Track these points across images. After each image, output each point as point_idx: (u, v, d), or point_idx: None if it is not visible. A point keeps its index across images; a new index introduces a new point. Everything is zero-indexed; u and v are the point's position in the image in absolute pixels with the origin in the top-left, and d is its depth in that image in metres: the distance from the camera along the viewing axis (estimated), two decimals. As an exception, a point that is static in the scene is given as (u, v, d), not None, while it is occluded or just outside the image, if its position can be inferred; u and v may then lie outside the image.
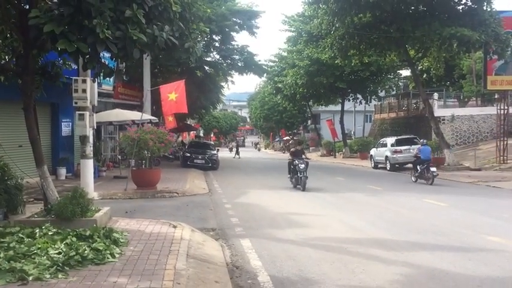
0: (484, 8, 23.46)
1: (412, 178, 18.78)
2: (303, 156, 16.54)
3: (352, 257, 6.77)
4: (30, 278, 4.97)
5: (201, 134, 70.57)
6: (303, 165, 15.89)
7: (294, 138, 49.60)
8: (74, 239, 6.35)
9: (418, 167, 18.35)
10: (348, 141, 43.39)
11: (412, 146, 25.36)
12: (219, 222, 9.70)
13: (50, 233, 6.62)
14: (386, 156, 26.10)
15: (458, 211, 11.30)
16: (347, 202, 13.09)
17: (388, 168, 25.89)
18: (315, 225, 9.35)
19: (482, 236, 8.19)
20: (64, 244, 6.07)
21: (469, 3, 24.23)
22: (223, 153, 39.71)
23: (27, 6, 7.60)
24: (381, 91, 42.96)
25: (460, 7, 24.81)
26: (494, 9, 23.87)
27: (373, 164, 28.57)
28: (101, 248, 6.02)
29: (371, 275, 5.87)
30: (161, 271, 5.37)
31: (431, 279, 5.73)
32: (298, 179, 15.95)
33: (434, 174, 17.47)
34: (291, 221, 9.95)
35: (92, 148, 12.60)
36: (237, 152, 44.72)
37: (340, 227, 9.28)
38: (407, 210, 11.52)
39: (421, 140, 20.80)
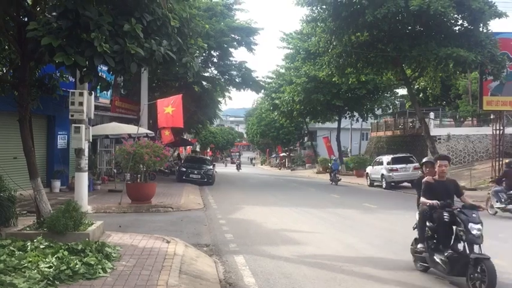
0: (480, 29, 23.69)
1: None
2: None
3: (347, 276, 6.71)
4: (20, 292, 4.89)
5: (198, 149, 70.52)
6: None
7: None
8: (66, 252, 6.28)
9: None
10: (344, 158, 43.44)
11: (408, 165, 25.47)
12: (213, 238, 9.64)
13: (41, 246, 6.55)
14: (382, 174, 26.12)
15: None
16: (341, 219, 13.03)
17: (383, 187, 25.88)
18: (310, 243, 9.29)
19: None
20: (55, 258, 6.01)
21: (466, 24, 24.45)
22: (221, 169, 39.69)
23: (26, 19, 7.65)
24: (378, 109, 43.18)
25: (457, 28, 25.05)
26: (490, 31, 24.09)
27: (369, 182, 28.56)
28: (92, 263, 5.95)
29: (365, 294, 5.82)
30: (153, 287, 5.30)
31: (426, 299, 5.68)
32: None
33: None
34: (286, 237, 9.89)
35: (87, 161, 12.53)
36: (238, 166, 54.44)
37: (334, 244, 9.23)
38: (402, 228, 11.41)
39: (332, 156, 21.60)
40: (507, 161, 17.08)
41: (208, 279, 6.35)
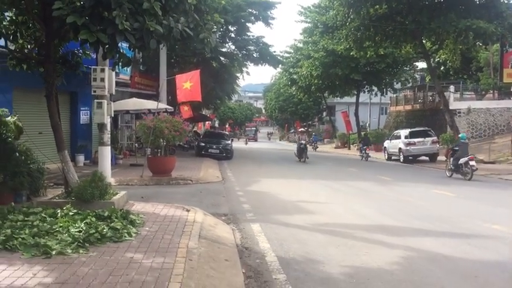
0: (501, 0, 23.27)
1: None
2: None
3: (357, 241, 7.05)
4: (54, 252, 5.34)
5: (216, 125, 70.99)
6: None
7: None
8: (93, 219, 6.74)
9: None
10: (362, 133, 43.40)
11: (426, 139, 25.44)
12: (231, 208, 10.04)
13: (70, 213, 7.03)
14: (400, 148, 26.15)
15: (466, 201, 11.49)
16: (357, 191, 13.33)
17: (401, 160, 25.97)
18: (324, 212, 9.63)
19: (487, 224, 8.39)
20: (84, 223, 6.46)
21: (486, -5, 24.07)
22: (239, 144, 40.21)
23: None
24: (397, 83, 42.80)
25: (477, -1, 24.69)
26: (511, 2, 23.67)
27: (386, 156, 28.65)
28: (118, 227, 6.40)
29: (373, 257, 6.15)
30: (174, 249, 5.72)
31: (431, 262, 5.98)
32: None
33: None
34: (301, 208, 10.25)
35: (109, 135, 12.98)
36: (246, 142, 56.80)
37: (348, 214, 9.55)
38: (415, 199, 11.73)
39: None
40: None
41: (226, 243, 6.75)
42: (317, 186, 14.33)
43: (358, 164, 24.42)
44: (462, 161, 16.84)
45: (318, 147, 41.72)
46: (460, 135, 19.19)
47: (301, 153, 25.14)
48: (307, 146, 26.05)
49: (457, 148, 17.57)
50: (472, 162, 16.52)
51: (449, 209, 10.18)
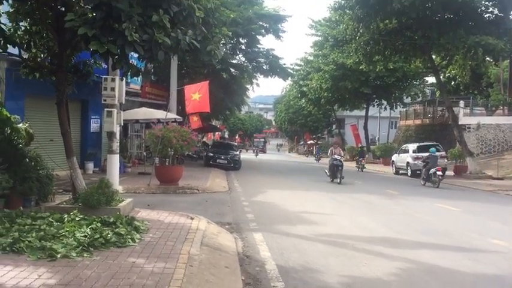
0: (511, 17, 23.33)
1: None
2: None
3: (358, 253, 7.13)
4: (59, 255, 5.50)
5: (226, 135, 71.30)
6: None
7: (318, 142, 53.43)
8: (99, 224, 6.91)
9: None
10: (371, 146, 43.39)
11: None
12: (235, 218, 10.16)
13: (77, 219, 7.20)
14: (408, 162, 26.16)
15: (469, 216, 11.51)
16: (362, 203, 13.39)
17: (409, 174, 25.94)
18: (327, 224, 9.72)
19: (487, 239, 8.44)
20: (89, 228, 6.63)
21: (496, 12, 24.11)
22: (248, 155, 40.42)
23: (63, 9, 8.24)
24: (406, 97, 42.84)
25: (487, 15, 24.72)
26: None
27: (394, 170, 28.63)
28: (123, 233, 6.56)
29: (372, 268, 6.24)
30: (176, 255, 5.86)
31: (429, 273, 6.06)
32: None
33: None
34: (304, 218, 10.35)
35: (118, 144, 13.21)
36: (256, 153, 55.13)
37: (351, 226, 9.63)
38: (419, 213, 11.76)
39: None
40: None
41: (227, 251, 6.88)
42: (322, 198, 14.42)
43: (365, 177, 24.42)
44: (432, 171, 19.46)
45: (320, 158, 45.95)
46: (430, 150, 21.77)
47: (335, 171, 19.92)
48: (341, 161, 20.42)
49: (428, 160, 20.24)
50: (439, 172, 19.32)
51: (452, 224, 10.22)
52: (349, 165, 38.62)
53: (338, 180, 19.29)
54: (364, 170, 30.43)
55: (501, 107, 38.06)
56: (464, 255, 7.14)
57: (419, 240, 8.22)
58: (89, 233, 6.40)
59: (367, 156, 37.65)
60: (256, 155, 54.27)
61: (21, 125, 9.58)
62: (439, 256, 7.00)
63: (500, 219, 11.16)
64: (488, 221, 10.89)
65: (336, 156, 20.15)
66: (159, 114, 20.23)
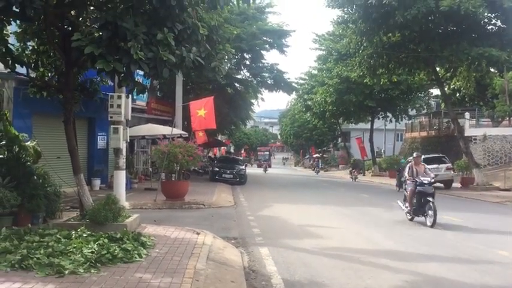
0: (513, 28, 23.39)
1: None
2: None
3: (363, 266, 7.15)
4: (66, 271, 5.58)
5: (232, 150, 71.38)
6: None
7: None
8: (106, 240, 6.98)
9: None
10: (377, 159, 43.32)
11: (440, 165, 25.30)
12: (240, 232, 10.20)
13: (84, 235, 7.27)
14: (411, 175, 26.02)
15: (475, 227, 11.46)
16: (367, 217, 13.38)
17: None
18: (332, 237, 9.73)
19: (493, 250, 8.42)
20: (97, 244, 6.70)
21: (499, 24, 24.20)
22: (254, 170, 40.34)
23: (70, 29, 8.42)
24: (412, 110, 42.84)
25: (490, 27, 24.80)
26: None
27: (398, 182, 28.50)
28: (129, 249, 6.62)
29: (378, 281, 6.25)
30: (182, 270, 5.91)
31: (435, 286, 6.08)
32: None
33: None
34: (310, 232, 10.36)
35: (125, 160, 13.32)
36: (265, 168, 51.03)
37: (356, 239, 9.64)
38: (425, 225, 11.71)
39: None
40: None
41: (233, 266, 6.92)
42: (328, 212, 14.42)
43: (370, 190, 24.35)
44: (403, 179, 18.85)
45: (319, 171, 49.51)
46: (401, 160, 24.40)
47: (422, 204, 11.78)
48: (433, 188, 12.09)
49: (400, 168, 21.72)
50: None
51: (458, 235, 10.16)
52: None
53: (428, 222, 11.39)
54: (356, 180, 33.94)
55: (507, 118, 37.98)
56: (471, 267, 7.14)
57: (424, 252, 8.22)
58: (96, 249, 6.47)
59: (361, 169, 41.62)
60: (265, 171, 48.76)
61: (29, 143, 9.72)
62: (446, 268, 7.01)
63: (508, 230, 11.10)
64: (496, 232, 10.84)
65: (422, 179, 12.09)
66: (165, 130, 20.36)
